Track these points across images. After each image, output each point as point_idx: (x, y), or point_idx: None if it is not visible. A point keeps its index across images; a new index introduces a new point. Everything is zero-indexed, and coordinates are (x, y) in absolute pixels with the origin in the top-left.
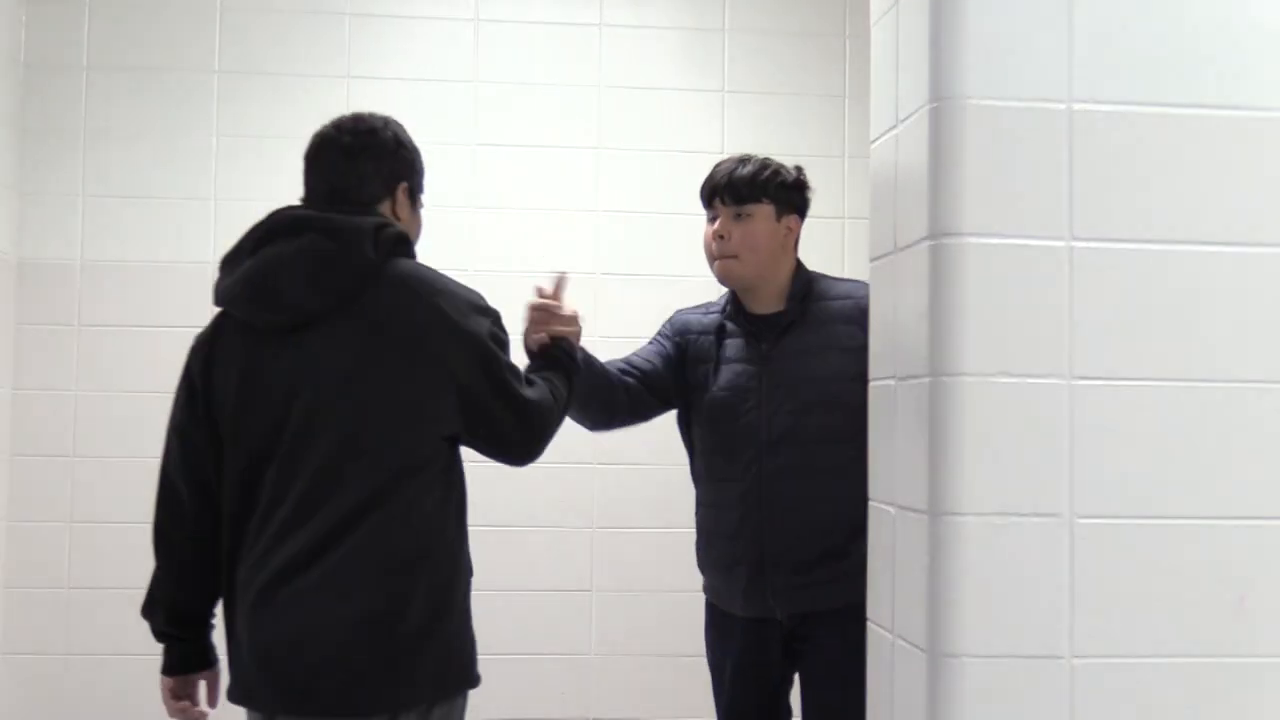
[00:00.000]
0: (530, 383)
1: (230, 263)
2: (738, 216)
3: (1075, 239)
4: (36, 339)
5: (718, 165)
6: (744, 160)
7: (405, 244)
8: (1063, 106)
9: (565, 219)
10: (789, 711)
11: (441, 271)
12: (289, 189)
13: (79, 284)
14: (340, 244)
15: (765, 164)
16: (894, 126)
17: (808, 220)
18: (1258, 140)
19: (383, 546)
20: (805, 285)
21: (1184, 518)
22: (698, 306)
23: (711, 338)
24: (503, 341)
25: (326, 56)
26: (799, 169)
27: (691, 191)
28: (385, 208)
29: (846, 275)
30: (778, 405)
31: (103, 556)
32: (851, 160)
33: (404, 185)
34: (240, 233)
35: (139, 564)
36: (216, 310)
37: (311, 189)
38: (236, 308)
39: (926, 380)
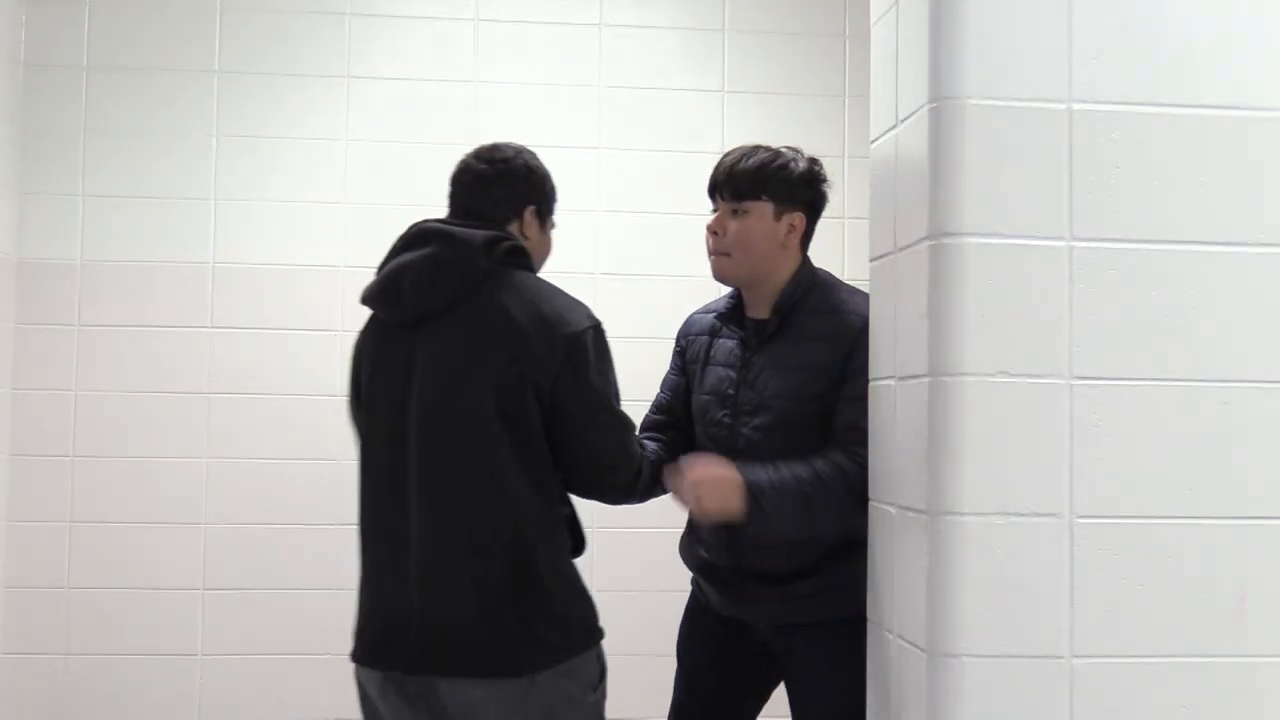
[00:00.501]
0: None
1: (379, 268)
2: (735, 213)
3: (1075, 239)
4: (36, 339)
5: (725, 155)
6: (751, 152)
7: (520, 256)
8: (1063, 106)
9: (565, 219)
10: (752, 716)
11: (555, 285)
12: (288, 188)
13: (79, 284)
14: (455, 252)
15: (773, 156)
16: (894, 126)
17: None
18: (1258, 140)
19: (497, 521)
20: (798, 293)
21: (1184, 518)
22: (710, 303)
23: (705, 339)
24: (603, 351)
25: (326, 56)
26: (813, 161)
27: (692, 191)
28: (514, 227)
29: (846, 276)
30: (747, 418)
31: (103, 556)
32: (851, 160)
33: (531, 208)
34: (239, 232)
35: (139, 564)
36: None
37: (452, 208)
38: (373, 306)
39: (926, 380)
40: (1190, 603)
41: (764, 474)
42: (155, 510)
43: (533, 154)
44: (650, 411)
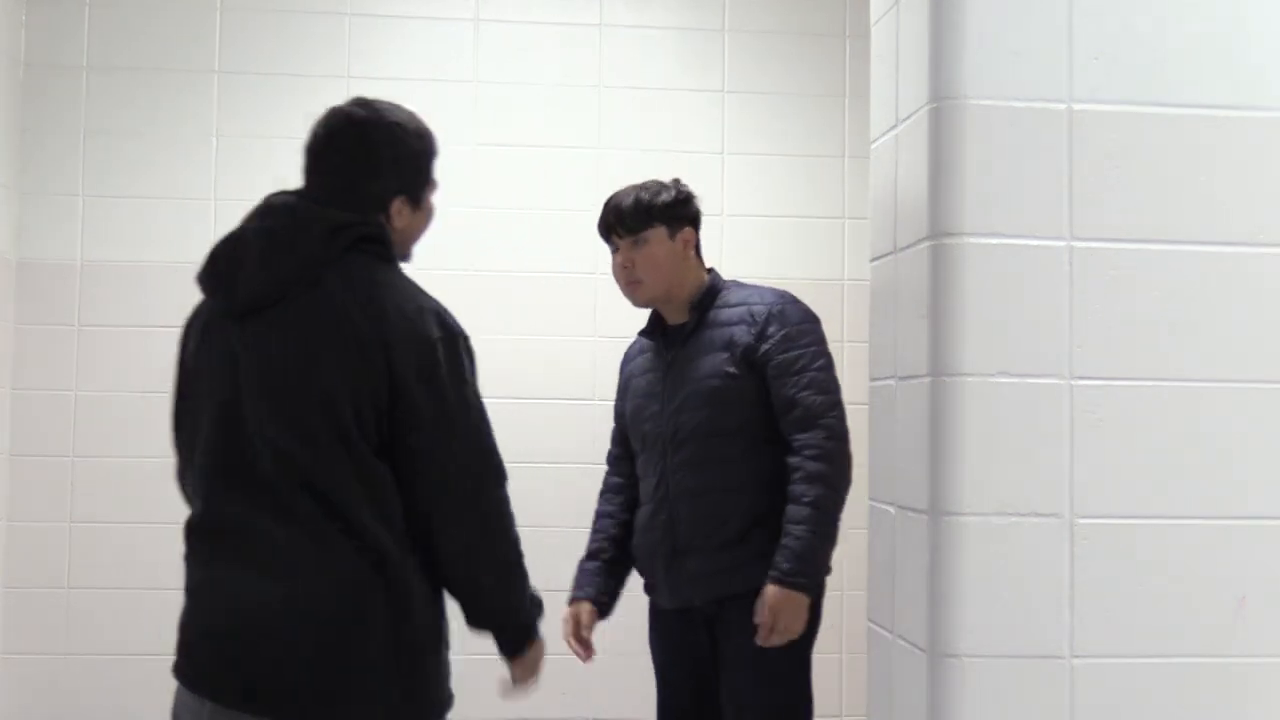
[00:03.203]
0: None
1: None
2: (635, 244)
3: (1075, 239)
4: (36, 339)
5: (606, 203)
6: (628, 193)
7: (374, 243)
8: (1063, 106)
9: (565, 219)
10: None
11: (415, 283)
12: (289, 189)
13: (78, 284)
14: (294, 233)
15: (645, 190)
16: (894, 126)
17: (811, 219)
18: (1258, 140)
19: (327, 549)
20: (707, 294)
21: (1184, 518)
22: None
23: (638, 358)
24: (457, 360)
25: (326, 56)
26: (677, 181)
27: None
28: (383, 216)
29: (846, 276)
30: (676, 406)
31: (103, 556)
32: (851, 160)
33: (400, 199)
34: None
35: (139, 564)
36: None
37: (309, 184)
38: (201, 288)
39: (926, 380)
40: (1190, 603)
41: (790, 559)
42: (155, 510)
43: (400, 126)
44: (610, 447)
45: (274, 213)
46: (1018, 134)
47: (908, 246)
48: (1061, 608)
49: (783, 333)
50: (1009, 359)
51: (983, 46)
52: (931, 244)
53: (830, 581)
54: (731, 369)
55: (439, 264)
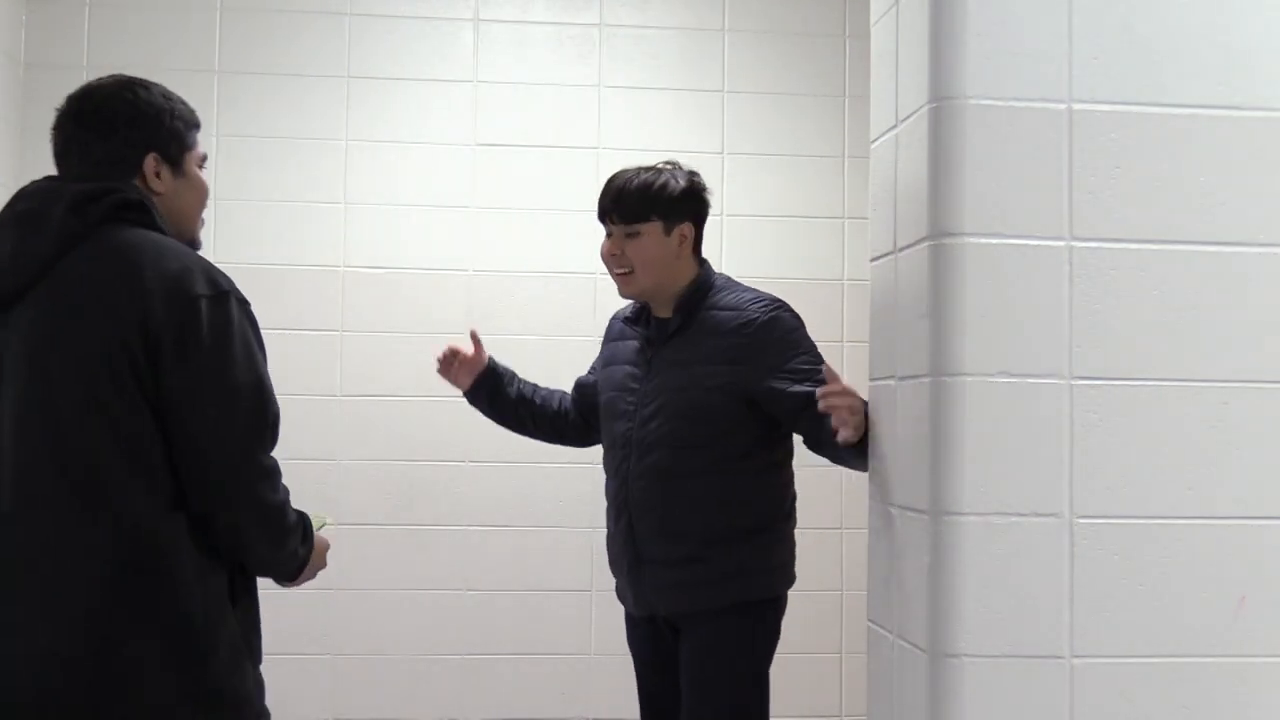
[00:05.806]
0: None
1: None
2: (628, 235)
3: (1075, 239)
4: None
5: (608, 182)
6: (634, 176)
7: (134, 210)
8: (1063, 106)
9: (565, 219)
10: None
11: (185, 246)
12: (288, 188)
13: None
14: (43, 211)
15: (651, 180)
16: (894, 126)
17: (811, 219)
18: (1258, 140)
19: (84, 575)
20: (698, 293)
21: (1184, 518)
22: (624, 308)
23: (618, 342)
24: (225, 320)
25: (326, 56)
26: (692, 174)
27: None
28: (138, 182)
29: (846, 276)
30: (648, 410)
31: None
32: (851, 160)
33: (152, 155)
34: (238, 232)
35: None
36: None
37: (59, 169)
38: None
39: (927, 380)
40: (1190, 603)
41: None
42: None
43: (141, 86)
44: (578, 383)
45: (25, 197)
46: (1018, 134)
47: (908, 246)
48: (1061, 608)
49: (775, 344)
50: (1009, 359)
51: (983, 46)
52: (931, 244)
53: (830, 581)
54: (716, 385)
55: (439, 264)
